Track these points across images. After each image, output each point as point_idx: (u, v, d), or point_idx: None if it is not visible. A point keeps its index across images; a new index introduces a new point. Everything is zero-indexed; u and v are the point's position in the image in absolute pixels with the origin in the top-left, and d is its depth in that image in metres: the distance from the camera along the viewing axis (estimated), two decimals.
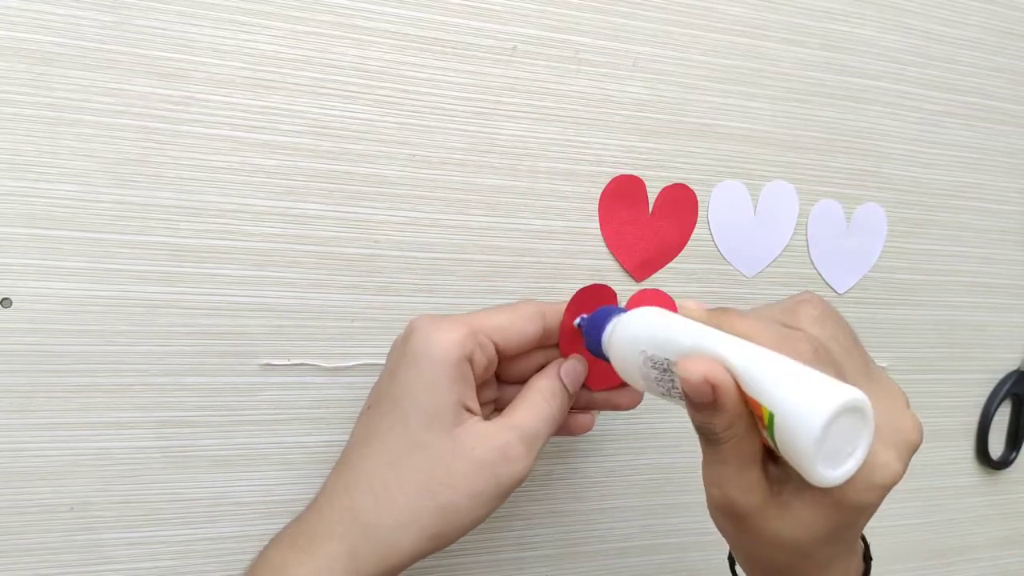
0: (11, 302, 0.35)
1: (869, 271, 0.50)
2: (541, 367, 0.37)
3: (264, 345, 0.38)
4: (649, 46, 0.43)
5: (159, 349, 0.37)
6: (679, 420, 0.46)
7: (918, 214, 0.51)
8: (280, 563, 0.32)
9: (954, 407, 0.54)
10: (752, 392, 0.27)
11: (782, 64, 0.46)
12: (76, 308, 0.36)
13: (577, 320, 0.36)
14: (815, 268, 0.48)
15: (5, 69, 0.34)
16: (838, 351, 0.30)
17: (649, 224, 0.44)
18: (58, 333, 0.35)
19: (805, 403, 0.26)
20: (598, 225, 0.43)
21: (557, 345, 0.37)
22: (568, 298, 0.36)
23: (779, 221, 0.47)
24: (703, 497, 0.39)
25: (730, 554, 0.36)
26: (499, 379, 0.37)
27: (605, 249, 0.43)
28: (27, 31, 0.34)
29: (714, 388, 0.27)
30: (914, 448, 0.30)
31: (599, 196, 0.43)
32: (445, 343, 0.32)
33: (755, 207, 0.46)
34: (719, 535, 0.47)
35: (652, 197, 0.44)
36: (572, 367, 0.36)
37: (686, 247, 0.45)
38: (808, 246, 0.48)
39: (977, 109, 0.51)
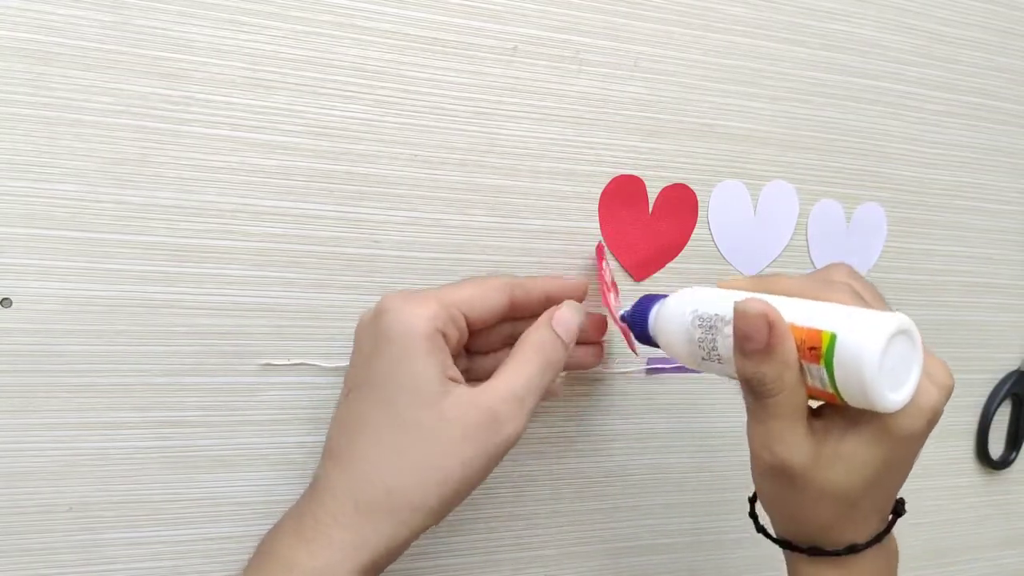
0: (11, 302, 0.35)
1: (869, 271, 0.50)
2: (509, 338, 0.37)
3: (264, 345, 0.38)
4: (650, 46, 0.43)
5: (159, 349, 0.37)
6: (679, 420, 0.46)
7: (918, 214, 0.51)
8: (288, 555, 0.31)
9: (954, 407, 0.53)
10: (810, 322, 0.29)
11: (782, 64, 0.46)
12: (76, 308, 0.35)
13: (620, 313, 0.38)
14: (815, 268, 0.48)
15: (5, 69, 0.34)
16: (872, 299, 0.32)
17: (649, 224, 0.44)
18: (58, 333, 0.35)
19: (865, 324, 0.27)
20: (598, 225, 0.43)
21: (525, 317, 0.37)
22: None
23: (779, 221, 0.47)
24: (703, 497, 0.39)
25: (751, 498, 0.37)
26: (468, 351, 0.38)
27: (605, 249, 0.43)
28: (27, 31, 0.34)
29: (771, 325, 0.29)
30: (949, 389, 0.32)
31: (599, 196, 0.43)
32: (418, 319, 0.32)
33: (755, 207, 0.46)
34: (718, 535, 0.47)
35: (652, 197, 0.44)
36: (564, 315, 0.35)
37: (686, 247, 0.45)
38: (808, 246, 0.48)
39: (978, 109, 0.51)
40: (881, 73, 0.48)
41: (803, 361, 0.29)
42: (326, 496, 0.32)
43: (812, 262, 0.48)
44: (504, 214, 0.41)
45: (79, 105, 0.35)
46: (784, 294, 0.32)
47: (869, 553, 0.33)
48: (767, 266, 0.47)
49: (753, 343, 0.30)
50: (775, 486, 0.32)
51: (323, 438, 0.39)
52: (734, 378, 0.32)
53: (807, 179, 0.47)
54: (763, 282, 0.34)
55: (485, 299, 0.35)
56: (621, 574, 0.46)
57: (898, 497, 0.34)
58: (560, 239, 0.42)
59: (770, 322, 0.29)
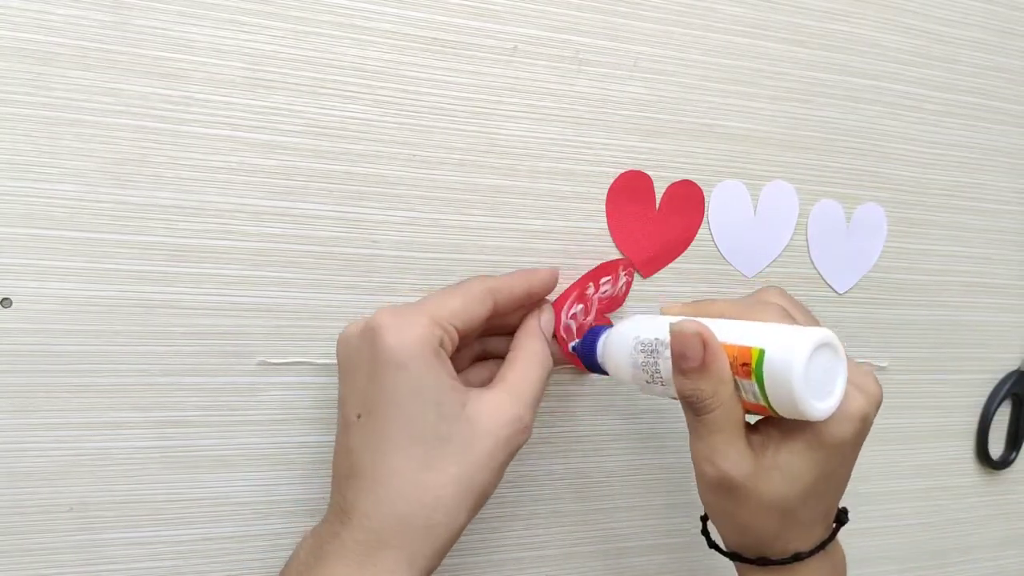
0: (11, 302, 0.35)
1: (869, 271, 0.50)
2: (486, 335, 0.39)
3: (264, 345, 0.38)
4: (649, 46, 0.43)
5: (159, 349, 0.37)
6: (679, 421, 0.46)
7: (918, 214, 0.51)
8: None
9: (954, 407, 0.54)
10: (740, 340, 0.31)
11: (782, 64, 0.46)
12: (76, 308, 0.36)
13: (571, 346, 0.40)
14: (815, 268, 0.48)
15: (5, 69, 0.34)
16: (802, 317, 0.36)
17: (656, 220, 0.44)
18: (58, 333, 0.35)
19: (790, 338, 0.30)
20: (599, 225, 0.43)
21: (504, 316, 0.38)
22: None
23: (779, 221, 0.47)
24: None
25: (703, 517, 0.39)
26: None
27: (606, 249, 0.43)
28: (27, 31, 0.34)
29: (704, 343, 0.31)
30: (877, 397, 0.33)
31: (606, 192, 0.43)
32: (421, 338, 0.32)
33: (755, 207, 0.46)
34: (719, 535, 0.47)
35: (659, 194, 0.44)
36: (548, 321, 0.38)
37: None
38: (808, 246, 0.48)
39: (977, 109, 0.51)
40: (881, 73, 0.48)
41: (737, 377, 0.31)
42: (363, 521, 0.32)
43: (812, 262, 0.48)
44: (503, 214, 0.41)
45: (79, 105, 0.35)
46: (719, 316, 0.35)
47: (813, 562, 0.35)
48: (767, 266, 0.47)
49: (689, 361, 0.32)
50: (719, 499, 0.34)
51: (323, 438, 0.39)
52: (672, 398, 0.34)
53: (807, 179, 0.47)
54: (700, 306, 0.37)
55: (470, 311, 0.35)
56: (621, 574, 0.46)
57: (841, 507, 0.36)
58: (559, 239, 0.42)
59: (704, 341, 0.31)
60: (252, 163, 0.37)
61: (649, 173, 0.44)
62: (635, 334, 0.36)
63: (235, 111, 0.37)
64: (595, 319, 0.41)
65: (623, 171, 0.43)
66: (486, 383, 0.36)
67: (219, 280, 0.37)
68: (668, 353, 0.33)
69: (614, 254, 0.43)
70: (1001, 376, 0.54)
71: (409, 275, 0.40)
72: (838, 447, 0.32)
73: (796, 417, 0.30)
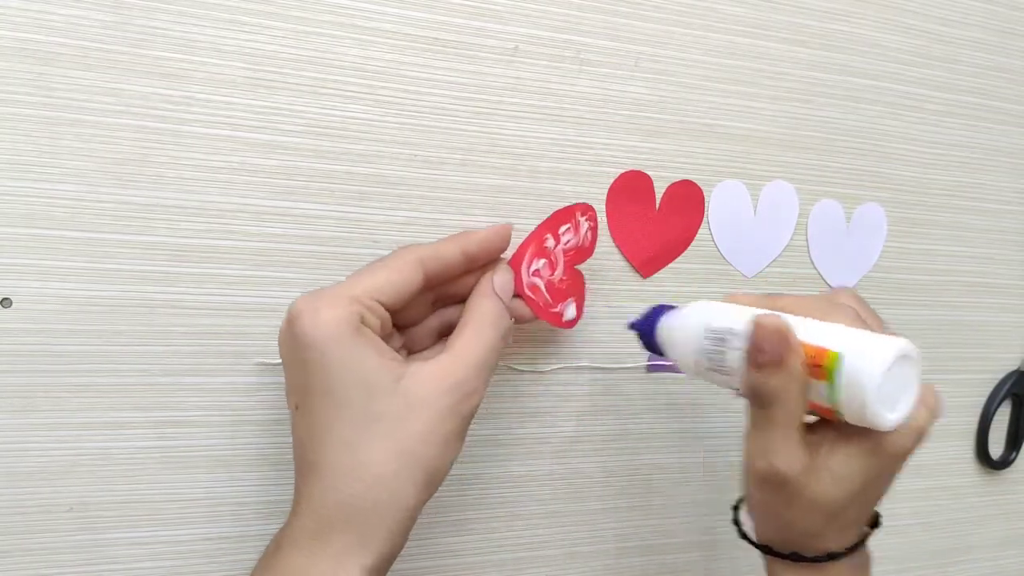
0: (11, 302, 0.35)
1: (869, 271, 0.50)
2: (435, 304, 0.37)
3: (264, 345, 0.38)
4: (650, 46, 0.43)
5: (160, 349, 0.37)
6: (679, 421, 0.46)
7: (918, 214, 0.51)
8: (293, 571, 0.31)
9: (954, 407, 0.54)
10: (817, 341, 0.31)
11: (782, 64, 0.46)
12: (76, 308, 0.35)
13: (630, 322, 0.39)
14: (815, 268, 0.48)
15: (5, 69, 0.34)
16: (874, 324, 0.34)
17: (656, 220, 0.44)
18: (58, 333, 0.35)
19: (871, 345, 0.29)
20: (599, 225, 0.43)
21: (447, 281, 0.36)
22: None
23: (779, 221, 0.47)
24: (703, 497, 0.39)
25: (734, 507, 0.38)
26: (398, 328, 0.37)
27: (606, 249, 0.43)
28: (27, 31, 0.34)
29: (786, 340, 0.31)
30: (938, 413, 0.33)
31: (606, 192, 0.43)
32: (337, 319, 0.31)
33: (755, 207, 0.46)
34: (718, 535, 0.47)
35: (659, 194, 0.44)
36: (504, 281, 0.36)
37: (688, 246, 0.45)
38: (808, 246, 0.48)
39: (978, 109, 0.51)
40: (881, 73, 0.48)
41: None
42: (315, 506, 0.32)
43: (812, 262, 0.48)
44: (504, 214, 0.41)
45: (80, 105, 0.35)
46: (789, 312, 0.34)
47: (845, 561, 0.35)
48: (767, 266, 0.47)
49: (767, 355, 0.31)
50: (767, 494, 0.34)
51: None
52: (733, 389, 0.34)
53: (807, 179, 0.47)
54: (771, 300, 0.35)
55: (397, 282, 0.34)
56: (621, 574, 0.46)
57: (875, 510, 0.36)
58: None
59: (786, 337, 0.31)
60: (253, 163, 0.37)
61: (649, 173, 0.44)
62: (705, 321, 0.35)
63: (236, 111, 0.37)
64: (566, 273, 0.40)
65: (623, 171, 0.43)
66: None
67: (220, 280, 0.37)
68: (738, 344, 0.33)
69: (614, 254, 0.43)
70: (1001, 376, 0.54)
71: None
72: (894, 456, 0.32)
73: (863, 424, 0.30)
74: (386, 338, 0.34)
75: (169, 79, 0.36)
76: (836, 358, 0.30)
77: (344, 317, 0.31)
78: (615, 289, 0.44)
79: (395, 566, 0.36)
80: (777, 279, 0.47)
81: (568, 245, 0.39)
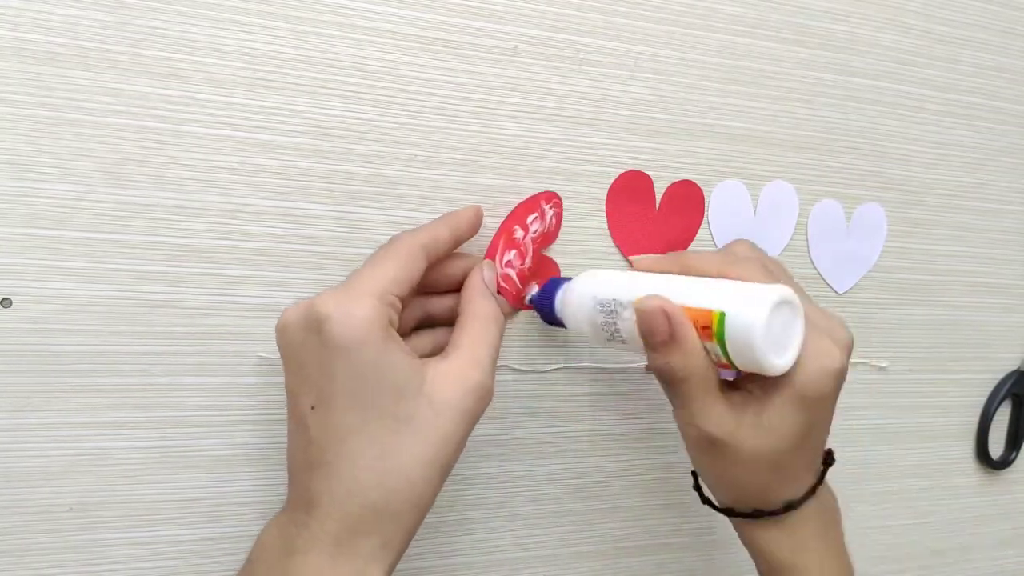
0: (11, 302, 0.35)
1: (869, 271, 0.50)
2: (420, 294, 0.38)
3: (264, 345, 0.38)
4: (650, 46, 0.43)
5: (160, 349, 0.37)
6: None
7: (918, 214, 0.51)
8: (326, 569, 0.31)
9: (954, 407, 0.54)
10: (701, 303, 0.32)
11: (782, 64, 0.46)
12: (76, 308, 0.35)
13: (527, 296, 0.40)
14: (815, 268, 0.48)
15: (5, 69, 0.34)
16: (775, 269, 0.38)
17: (656, 220, 0.44)
18: (58, 333, 0.35)
19: (749, 298, 0.31)
20: (600, 225, 0.43)
21: (435, 271, 0.37)
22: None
23: (779, 221, 0.47)
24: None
25: (694, 473, 0.40)
26: None
27: (606, 249, 0.43)
28: (27, 31, 0.34)
29: (669, 318, 0.32)
30: (849, 342, 0.35)
31: (606, 192, 0.43)
32: (369, 320, 0.31)
33: (755, 207, 0.46)
34: (719, 535, 0.47)
35: (659, 194, 0.44)
36: (491, 277, 0.38)
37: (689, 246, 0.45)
38: (808, 246, 0.48)
39: (978, 109, 0.51)
40: (881, 73, 0.48)
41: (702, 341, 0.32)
42: (332, 510, 0.31)
43: (812, 262, 0.48)
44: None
45: (79, 105, 0.35)
46: (695, 270, 0.36)
47: (807, 509, 0.36)
48: None
49: (657, 336, 0.33)
50: (707, 456, 0.35)
51: None
52: (641, 355, 0.35)
53: (807, 179, 0.47)
54: (674, 259, 0.38)
55: (407, 274, 0.34)
56: (621, 574, 0.46)
57: (826, 448, 0.37)
58: (560, 239, 0.42)
59: (668, 315, 0.32)
60: (253, 163, 0.37)
61: (649, 173, 0.44)
62: (592, 292, 0.36)
63: (236, 111, 0.37)
64: (533, 261, 0.40)
65: (623, 171, 0.43)
66: (432, 352, 0.36)
67: (220, 280, 0.37)
68: (628, 314, 0.34)
69: (614, 254, 0.43)
70: (1001, 376, 0.54)
71: None
72: (819, 400, 0.33)
73: (759, 372, 0.32)
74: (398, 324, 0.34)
75: (169, 79, 0.36)
76: (719, 317, 0.31)
77: (375, 318, 0.31)
78: None
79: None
80: None
81: (535, 234, 0.41)
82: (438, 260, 0.36)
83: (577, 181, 0.42)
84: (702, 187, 0.45)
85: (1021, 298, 0.54)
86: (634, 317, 0.34)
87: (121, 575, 0.37)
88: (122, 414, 0.37)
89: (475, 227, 0.38)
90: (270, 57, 0.37)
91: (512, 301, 0.39)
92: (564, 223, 0.42)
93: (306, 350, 0.32)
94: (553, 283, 0.39)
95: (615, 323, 0.35)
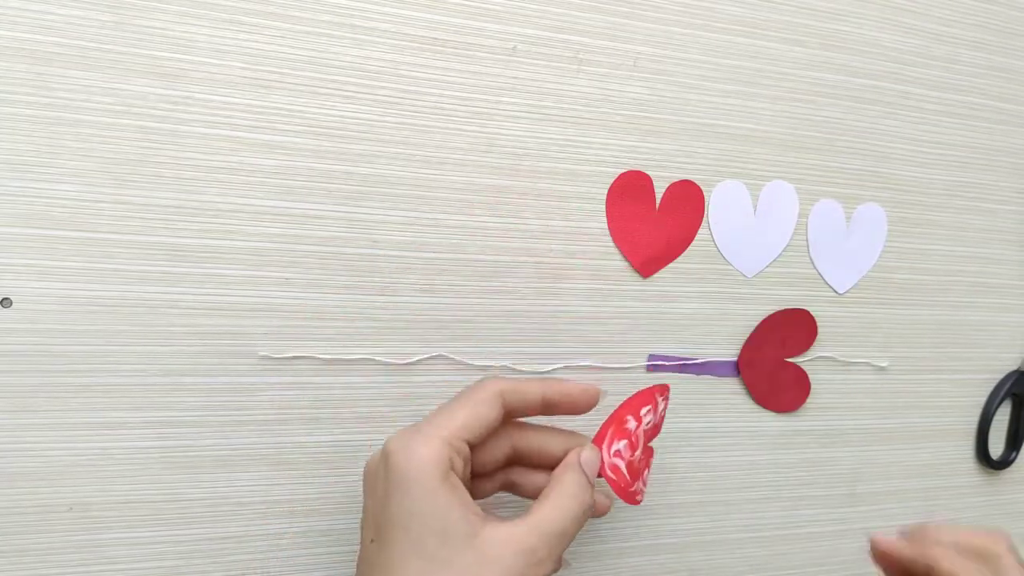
0: (11, 302, 0.35)
1: (869, 271, 0.50)
2: (504, 460, 0.37)
3: (264, 345, 0.38)
4: (649, 46, 0.43)
5: (159, 349, 0.37)
6: (678, 420, 0.46)
7: (918, 214, 0.51)
8: None
9: (954, 407, 0.54)
10: None
11: (782, 64, 0.46)
12: (76, 308, 0.36)
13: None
14: (815, 268, 0.48)
15: (5, 69, 0.34)
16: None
17: (656, 220, 0.44)
18: (58, 333, 0.35)
19: None
20: (600, 225, 0.43)
21: (519, 416, 0.37)
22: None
23: (779, 221, 0.47)
24: (703, 497, 0.39)
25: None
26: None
27: (606, 249, 0.43)
28: (27, 31, 0.34)
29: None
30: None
31: (606, 192, 0.43)
32: (428, 461, 0.32)
33: (755, 207, 0.46)
34: (719, 535, 0.47)
35: (659, 194, 0.44)
36: (590, 459, 0.36)
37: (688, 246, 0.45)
38: (808, 246, 0.48)
39: (977, 109, 0.51)
40: (881, 73, 0.48)
41: None
42: None
43: (812, 262, 0.48)
44: (504, 214, 0.41)
45: (79, 105, 0.35)
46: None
47: None
48: (767, 266, 0.47)
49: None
50: None
51: (323, 438, 0.39)
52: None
53: (807, 179, 0.47)
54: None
55: (480, 419, 0.34)
56: (621, 574, 0.46)
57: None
58: (560, 239, 0.42)
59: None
60: (252, 163, 0.37)
61: (649, 173, 0.44)
62: None
63: (235, 111, 0.37)
64: (643, 453, 0.39)
65: (623, 171, 0.43)
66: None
67: (220, 280, 0.37)
68: None
69: (614, 254, 0.43)
70: (1001, 376, 0.54)
71: (410, 275, 0.40)
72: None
73: None
74: (466, 483, 0.34)
75: (168, 79, 0.36)
76: None
77: (435, 459, 0.32)
78: (615, 289, 0.44)
79: None
80: (777, 279, 0.47)
81: (648, 426, 0.39)
82: (523, 412, 0.36)
83: (577, 181, 0.42)
84: (702, 187, 0.45)
85: (1021, 298, 0.54)
86: None
87: (121, 575, 0.37)
88: (122, 414, 0.37)
89: (575, 401, 0.37)
90: (269, 57, 0.37)
91: (619, 492, 0.38)
92: (564, 223, 0.42)
93: (375, 482, 0.33)
94: None
95: None
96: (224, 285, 0.37)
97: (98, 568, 0.37)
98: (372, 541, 0.33)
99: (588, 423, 0.40)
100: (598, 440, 0.37)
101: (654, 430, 0.40)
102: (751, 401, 0.45)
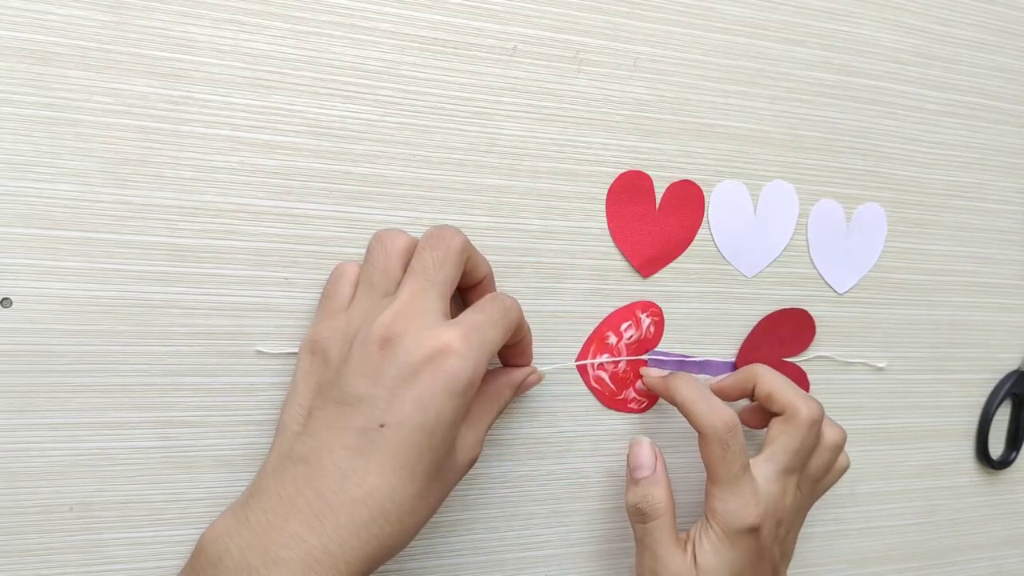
0: (11, 302, 0.35)
1: (869, 271, 0.50)
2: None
3: (264, 345, 0.38)
4: (649, 46, 0.43)
5: (159, 349, 0.37)
6: (680, 421, 0.46)
7: (918, 214, 0.51)
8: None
9: (954, 407, 0.54)
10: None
11: (782, 64, 0.46)
12: (76, 308, 0.36)
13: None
14: (815, 268, 0.48)
15: (5, 69, 0.34)
16: None
17: (656, 220, 0.44)
18: (58, 333, 0.35)
19: None
20: (600, 225, 0.43)
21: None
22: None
23: (779, 221, 0.47)
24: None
25: None
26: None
27: (607, 249, 0.43)
28: (27, 31, 0.34)
29: (656, 456, 0.39)
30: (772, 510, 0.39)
31: (606, 192, 0.43)
32: (479, 377, 0.33)
33: (755, 207, 0.46)
34: None
35: (659, 194, 0.44)
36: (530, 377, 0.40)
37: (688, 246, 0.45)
38: (808, 246, 0.48)
39: (977, 109, 0.51)
40: (881, 73, 0.48)
41: None
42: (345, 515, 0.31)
43: (812, 262, 0.48)
44: (504, 214, 0.41)
45: (79, 105, 0.35)
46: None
47: None
48: (767, 266, 0.47)
49: (643, 470, 0.39)
50: None
51: None
52: None
53: (807, 179, 0.47)
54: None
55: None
56: (621, 574, 0.46)
57: None
58: (561, 239, 0.42)
59: (656, 453, 0.39)
60: (252, 163, 0.37)
61: (649, 173, 0.44)
62: None
63: (235, 111, 0.37)
64: (628, 365, 0.42)
65: (623, 171, 0.43)
66: None
67: (220, 280, 0.37)
68: None
69: (614, 254, 0.43)
70: (1001, 376, 0.54)
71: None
72: (743, 534, 0.37)
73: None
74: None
75: (168, 79, 0.36)
76: None
77: (481, 376, 0.34)
78: (615, 289, 0.44)
79: (396, 566, 0.36)
80: (777, 279, 0.47)
81: (631, 340, 0.43)
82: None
83: (577, 181, 0.42)
84: (702, 187, 0.45)
85: (1021, 298, 0.54)
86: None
87: (121, 575, 0.37)
88: (122, 414, 0.37)
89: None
90: (269, 57, 0.37)
91: (605, 401, 0.42)
92: (564, 223, 0.42)
93: (397, 363, 0.33)
94: None
95: None
96: (224, 285, 0.37)
97: (99, 568, 0.37)
98: (382, 426, 0.31)
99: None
100: (582, 357, 0.42)
101: (641, 343, 0.43)
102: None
